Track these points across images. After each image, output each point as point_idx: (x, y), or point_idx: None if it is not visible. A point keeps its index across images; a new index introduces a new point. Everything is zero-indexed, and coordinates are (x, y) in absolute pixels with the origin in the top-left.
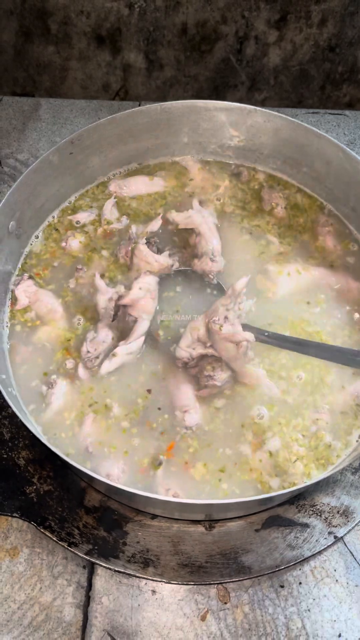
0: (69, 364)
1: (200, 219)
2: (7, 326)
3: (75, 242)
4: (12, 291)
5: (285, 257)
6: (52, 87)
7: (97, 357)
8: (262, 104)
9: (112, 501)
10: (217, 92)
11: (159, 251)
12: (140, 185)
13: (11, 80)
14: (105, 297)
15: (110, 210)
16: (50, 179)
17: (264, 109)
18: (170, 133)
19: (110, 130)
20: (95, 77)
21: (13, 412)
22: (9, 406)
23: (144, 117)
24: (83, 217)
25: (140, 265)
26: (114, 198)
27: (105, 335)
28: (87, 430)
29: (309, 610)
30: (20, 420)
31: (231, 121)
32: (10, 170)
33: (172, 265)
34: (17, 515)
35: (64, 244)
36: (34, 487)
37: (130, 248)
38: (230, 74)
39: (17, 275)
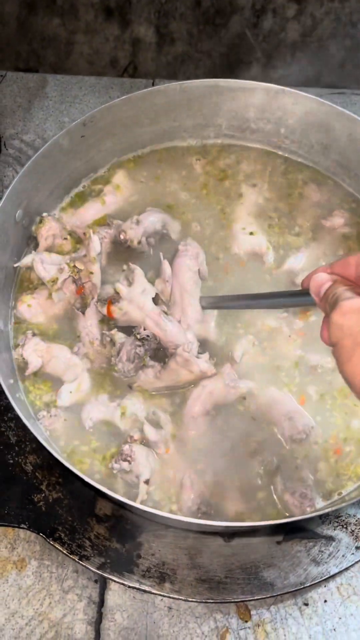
0: (135, 434)
1: (138, 312)
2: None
3: (24, 308)
4: (21, 354)
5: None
6: (56, 62)
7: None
8: (278, 82)
9: (124, 509)
10: (231, 68)
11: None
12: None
13: (14, 54)
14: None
15: (94, 248)
16: (60, 164)
17: (292, 90)
18: (189, 115)
19: (125, 111)
20: (102, 52)
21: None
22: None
23: (162, 97)
24: (44, 271)
25: (179, 371)
26: (96, 235)
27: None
28: (189, 494)
29: (334, 629)
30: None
31: (255, 102)
32: (15, 153)
33: (213, 374)
34: (25, 527)
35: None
36: (43, 494)
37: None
38: (246, 50)
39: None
